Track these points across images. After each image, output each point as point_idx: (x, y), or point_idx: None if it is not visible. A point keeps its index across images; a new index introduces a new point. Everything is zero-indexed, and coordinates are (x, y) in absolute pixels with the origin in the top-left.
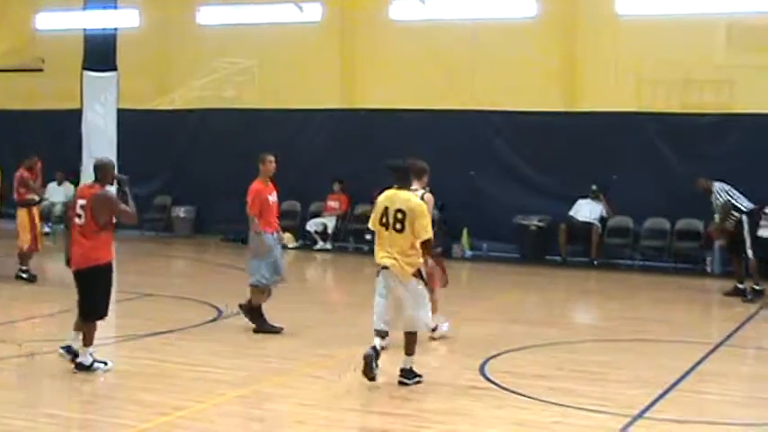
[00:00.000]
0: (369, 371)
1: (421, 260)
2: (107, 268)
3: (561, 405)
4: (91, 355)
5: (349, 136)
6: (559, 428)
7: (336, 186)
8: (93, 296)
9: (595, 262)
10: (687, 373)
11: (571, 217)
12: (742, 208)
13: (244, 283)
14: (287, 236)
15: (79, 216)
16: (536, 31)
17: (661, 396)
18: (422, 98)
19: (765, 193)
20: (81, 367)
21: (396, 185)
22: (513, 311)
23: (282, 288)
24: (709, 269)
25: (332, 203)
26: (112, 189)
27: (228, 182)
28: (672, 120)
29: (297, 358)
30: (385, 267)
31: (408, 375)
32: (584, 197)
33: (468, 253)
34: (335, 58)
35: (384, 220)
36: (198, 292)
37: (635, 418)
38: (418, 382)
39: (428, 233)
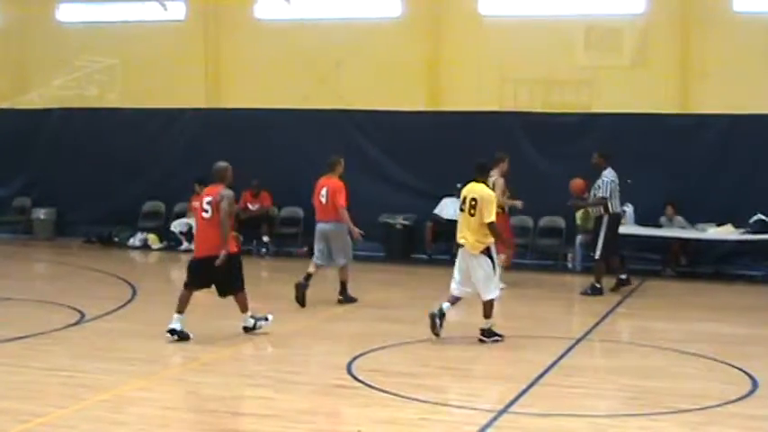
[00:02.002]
0: (434, 327)
1: (491, 240)
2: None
3: (427, 402)
4: (252, 317)
5: (214, 136)
6: (426, 425)
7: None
8: (229, 276)
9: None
10: (550, 367)
11: (436, 215)
12: (611, 210)
13: (107, 286)
14: (151, 237)
15: (206, 211)
16: (401, 31)
17: (525, 391)
18: (287, 97)
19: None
20: (247, 330)
21: (475, 179)
22: (379, 310)
23: (149, 290)
24: (570, 266)
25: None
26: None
27: (91, 183)
28: (534, 119)
29: (160, 361)
30: (460, 245)
31: (486, 334)
32: (450, 196)
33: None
34: (200, 57)
35: (463, 206)
36: (59, 296)
37: (500, 413)
38: (496, 341)
39: (491, 217)
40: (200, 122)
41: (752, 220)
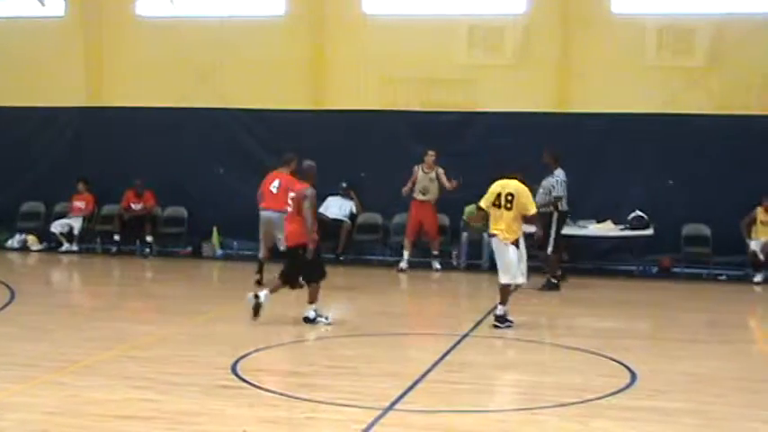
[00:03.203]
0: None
1: (520, 232)
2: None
3: (313, 401)
4: (315, 311)
5: (94, 134)
6: (311, 423)
7: (81, 186)
8: (310, 265)
9: (341, 258)
10: (435, 364)
11: (321, 214)
12: (560, 208)
13: None
14: (31, 238)
15: (289, 205)
16: (284, 30)
17: (411, 387)
18: (170, 96)
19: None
20: (306, 320)
21: (506, 176)
22: (264, 309)
23: (28, 292)
24: (455, 263)
25: (78, 204)
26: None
27: None
28: (417, 117)
29: (39, 364)
30: (493, 235)
31: (500, 320)
32: (334, 195)
33: (219, 252)
34: (80, 55)
35: (497, 201)
36: None
37: (386, 410)
38: (509, 327)
39: (534, 209)
40: (80, 121)
41: (630, 217)
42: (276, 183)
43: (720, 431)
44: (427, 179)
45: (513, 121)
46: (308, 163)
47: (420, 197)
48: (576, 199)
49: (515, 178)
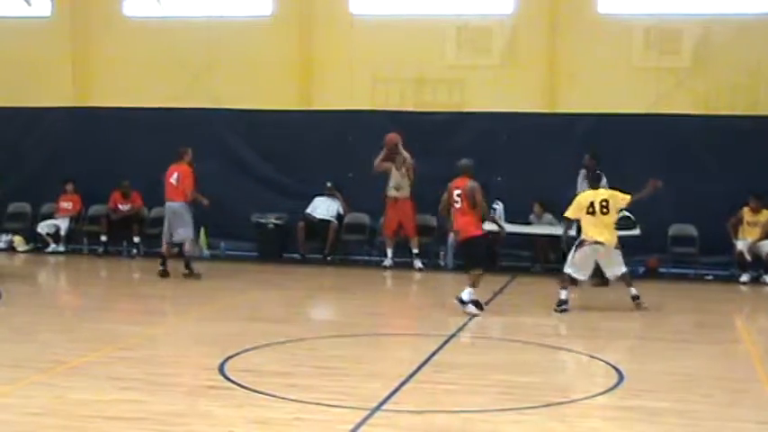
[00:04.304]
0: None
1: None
2: (480, 238)
3: (301, 401)
4: (470, 294)
5: (82, 135)
6: (299, 424)
7: (69, 187)
8: (475, 256)
9: (329, 258)
10: (423, 364)
11: (308, 215)
12: None
13: None
14: (17, 239)
15: (456, 202)
16: (272, 30)
17: (398, 388)
18: (158, 96)
19: (496, 189)
20: (460, 301)
21: (593, 187)
22: (252, 310)
23: (14, 293)
24: (442, 263)
25: (65, 204)
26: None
27: None
28: (405, 117)
29: (25, 365)
30: (599, 242)
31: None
32: (321, 195)
33: (206, 252)
34: (67, 55)
35: (592, 209)
36: None
37: (373, 411)
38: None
39: (625, 202)
40: (67, 122)
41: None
42: (175, 175)
43: (705, 431)
44: (399, 175)
45: (502, 122)
46: (465, 161)
47: (394, 194)
48: (563, 199)
49: (599, 187)
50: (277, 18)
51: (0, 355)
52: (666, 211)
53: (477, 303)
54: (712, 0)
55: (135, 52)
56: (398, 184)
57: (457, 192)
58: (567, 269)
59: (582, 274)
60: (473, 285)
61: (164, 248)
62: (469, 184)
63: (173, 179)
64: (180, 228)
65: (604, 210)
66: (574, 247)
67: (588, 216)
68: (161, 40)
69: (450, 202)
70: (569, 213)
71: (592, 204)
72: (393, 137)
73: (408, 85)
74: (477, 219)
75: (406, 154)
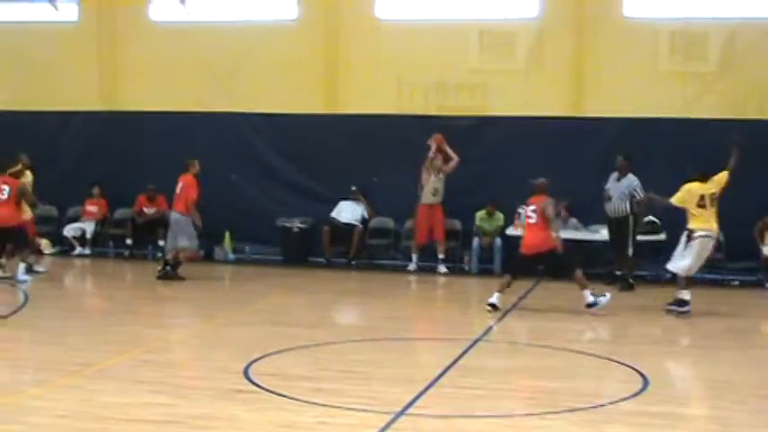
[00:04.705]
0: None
1: None
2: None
3: (326, 405)
4: (592, 294)
5: (108, 139)
6: (324, 428)
7: (95, 190)
8: (562, 265)
9: (354, 262)
10: (447, 368)
11: (334, 218)
12: (636, 210)
13: None
14: (44, 242)
15: (530, 217)
16: (298, 34)
17: (423, 392)
18: (183, 100)
19: (520, 193)
20: (589, 306)
21: (699, 180)
22: (276, 314)
23: (41, 296)
24: (467, 268)
25: (90, 208)
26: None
27: None
28: (430, 122)
29: (53, 368)
30: (708, 235)
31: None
32: (346, 199)
33: (231, 256)
34: (93, 59)
35: (702, 202)
36: None
37: (398, 415)
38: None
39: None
40: (94, 126)
41: (644, 222)
42: (180, 185)
43: None
44: (436, 180)
45: (527, 126)
46: (540, 180)
47: (431, 200)
48: (589, 204)
49: (706, 181)
50: (302, 22)
51: (28, 358)
52: None
53: (598, 298)
54: (738, 4)
55: (161, 57)
56: (436, 190)
57: (531, 208)
58: (680, 270)
59: (694, 268)
60: (584, 287)
61: (168, 256)
62: (545, 201)
63: (178, 189)
64: (181, 237)
65: (714, 203)
66: (682, 244)
67: (700, 209)
68: (187, 44)
69: (526, 219)
70: (676, 200)
71: (702, 198)
72: (439, 137)
73: (433, 89)
74: (550, 232)
75: (452, 154)
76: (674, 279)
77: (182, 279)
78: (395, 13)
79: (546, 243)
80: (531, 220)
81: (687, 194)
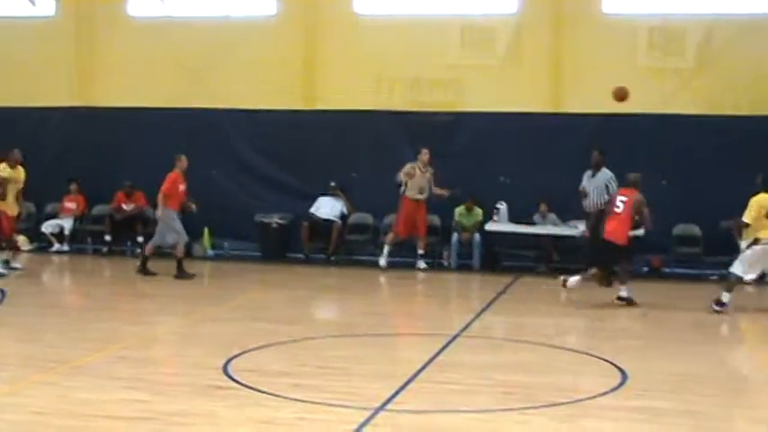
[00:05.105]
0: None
1: None
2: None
3: (305, 401)
4: (626, 290)
5: (86, 135)
6: (303, 424)
7: (73, 187)
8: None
9: (333, 258)
10: (426, 364)
11: (312, 214)
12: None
13: None
14: (21, 238)
15: (618, 207)
16: (276, 30)
17: (402, 388)
18: (162, 96)
19: (498, 189)
20: (621, 299)
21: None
22: (255, 310)
23: (18, 292)
24: (446, 263)
25: (68, 204)
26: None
27: None
28: (409, 117)
29: (29, 365)
30: None
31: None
32: (325, 194)
33: (210, 252)
34: (71, 55)
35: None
36: None
37: (377, 411)
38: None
39: None
40: (71, 122)
41: None
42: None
43: (710, 431)
44: (424, 179)
45: (505, 122)
46: (635, 175)
47: (417, 196)
48: (567, 199)
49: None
50: (281, 18)
51: (4, 355)
52: (670, 211)
53: (630, 300)
54: (715, 0)
55: (139, 52)
56: (422, 188)
57: (621, 198)
58: (737, 270)
59: (751, 273)
60: (624, 282)
61: (147, 249)
62: (637, 196)
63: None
64: (166, 232)
65: None
66: (746, 248)
67: (766, 220)
68: (165, 40)
69: (612, 207)
70: (748, 218)
71: None
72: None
73: (411, 85)
74: (629, 229)
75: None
76: (649, 274)
77: (190, 276)
78: (374, 8)
79: (618, 236)
80: (618, 210)
81: (758, 209)
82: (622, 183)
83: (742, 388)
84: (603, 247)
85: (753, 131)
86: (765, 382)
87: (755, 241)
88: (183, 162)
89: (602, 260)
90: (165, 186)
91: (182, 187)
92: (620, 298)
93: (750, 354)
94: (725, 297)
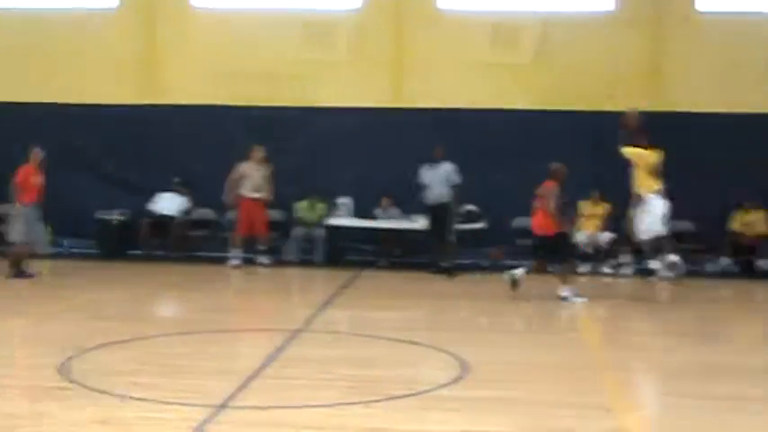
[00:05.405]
0: None
1: None
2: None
3: (146, 400)
4: (568, 289)
5: None
6: (144, 424)
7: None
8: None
9: (173, 254)
10: (269, 360)
11: (152, 210)
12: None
13: None
14: None
15: (539, 200)
16: (116, 23)
17: (244, 385)
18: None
19: (341, 183)
20: (562, 299)
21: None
22: (95, 308)
23: None
24: (289, 258)
25: None
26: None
27: None
28: (252, 112)
29: None
30: None
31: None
32: (166, 191)
33: (50, 250)
34: None
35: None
36: None
37: (219, 408)
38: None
39: None
40: None
41: (462, 211)
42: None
43: (550, 418)
44: (259, 176)
45: (348, 117)
46: (557, 165)
47: (254, 195)
48: (408, 193)
49: None
50: (121, 11)
51: None
52: (510, 203)
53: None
54: None
55: None
56: (259, 186)
57: (539, 191)
58: (659, 228)
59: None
60: (564, 282)
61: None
62: (549, 186)
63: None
64: (13, 228)
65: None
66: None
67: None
68: (3, 32)
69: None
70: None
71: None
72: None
73: (255, 80)
74: (553, 219)
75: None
76: (490, 267)
77: (30, 276)
78: (214, 2)
79: (549, 228)
80: (539, 205)
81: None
82: (467, 173)
83: (580, 375)
84: (538, 243)
85: (587, 127)
86: (601, 369)
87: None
88: (36, 155)
89: (539, 255)
90: (17, 179)
91: (36, 180)
92: (561, 297)
93: (586, 342)
94: (672, 257)
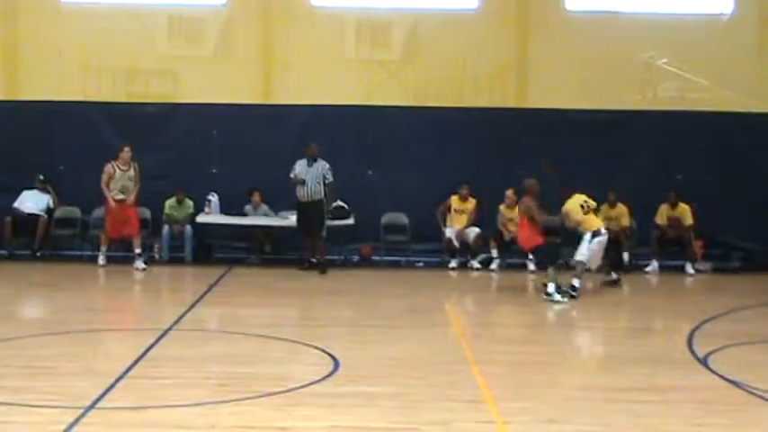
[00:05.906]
0: None
1: None
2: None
3: (9, 404)
4: (555, 288)
5: None
6: (7, 428)
7: None
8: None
9: (39, 253)
10: (138, 359)
11: (16, 209)
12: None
13: None
14: None
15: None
16: None
17: (113, 385)
18: None
19: (208, 180)
20: (547, 295)
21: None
22: None
23: None
24: (157, 256)
25: None
26: None
27: None
28: (118, 108)
29: None
30: None
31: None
32: (31, 188)
33: None
34: None
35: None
36: None
37: (87, 409)
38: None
39: None
40: None
41: (332, 207)
42: None
43: (420, 411)
44: (125, 177)
45: (216, 113)
46: (530, 181)
47: (120, 196)
48: (279, 190)
49: None
50: None
51: None
52: (379, 200)
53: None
54: None
55: None
56: (124, 187)
57: (519, 207)
58: (582, 258)
59: (593, 264)
60: (551, 279)
61: None
62: (526, 202)
63: None
64: None
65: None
66: (589, 240)
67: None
68: None
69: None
70: (573, 223)
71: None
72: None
73: (120, 76)
74: (534, 232)
75: None
76: (360, 262)
77: None
78: None
79: (530, 241)
80: (519, 219)
81: (576, 210)
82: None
83: (450, 369)
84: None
85: (456, 123)
86: (471, 363)
87: (594, 234)
88: None
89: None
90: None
91: None
92: (547, 294)
93: (456, 336)
94: (576, 282)
